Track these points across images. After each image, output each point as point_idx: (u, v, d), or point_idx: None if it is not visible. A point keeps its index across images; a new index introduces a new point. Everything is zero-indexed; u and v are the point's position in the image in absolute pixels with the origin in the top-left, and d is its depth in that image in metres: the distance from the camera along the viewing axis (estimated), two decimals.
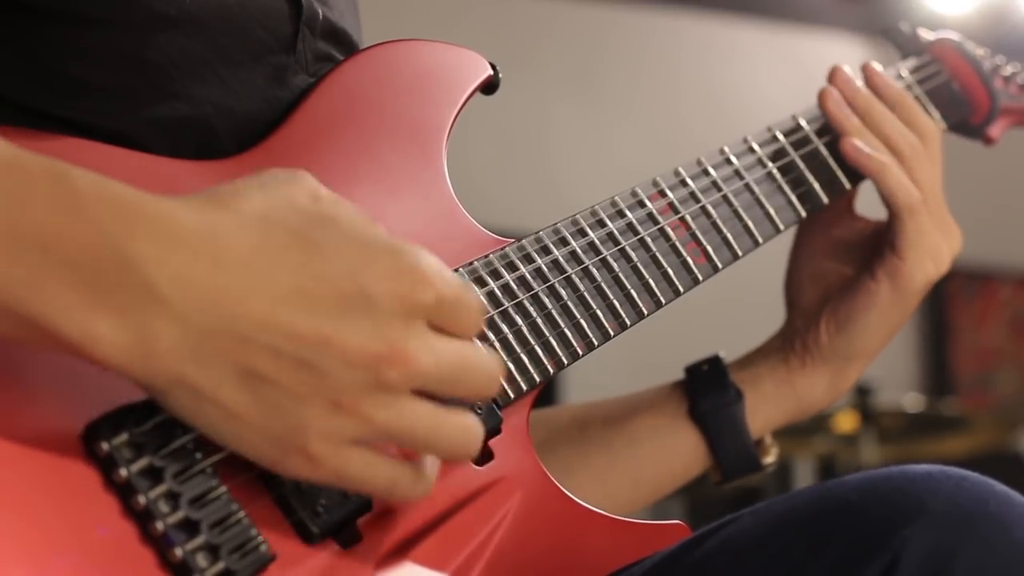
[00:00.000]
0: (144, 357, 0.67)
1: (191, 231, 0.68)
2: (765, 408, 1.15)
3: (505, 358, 0.89)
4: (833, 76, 1.15)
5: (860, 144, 1.10)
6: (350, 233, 0.71)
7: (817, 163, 1.12)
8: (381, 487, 0.73)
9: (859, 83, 1.15)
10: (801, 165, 1.11)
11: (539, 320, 0.92)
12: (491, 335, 0.89)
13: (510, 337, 0.90)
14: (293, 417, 0.69)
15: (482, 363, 0.74)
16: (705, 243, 1.02)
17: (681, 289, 1.00)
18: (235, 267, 0.68)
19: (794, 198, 1.10)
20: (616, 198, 1.00)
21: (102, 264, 0.66)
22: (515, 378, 0.90)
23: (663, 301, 0.99)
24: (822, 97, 1.13)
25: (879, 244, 1.15)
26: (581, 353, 0.94)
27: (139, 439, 0.72)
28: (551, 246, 0.95)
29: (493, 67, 0.98)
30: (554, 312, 0.93)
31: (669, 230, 1.01)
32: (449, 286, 0.72)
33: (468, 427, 0.74)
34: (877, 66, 1.16)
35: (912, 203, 1.09)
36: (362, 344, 0.69)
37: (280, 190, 0.72)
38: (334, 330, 0.69)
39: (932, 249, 1.11)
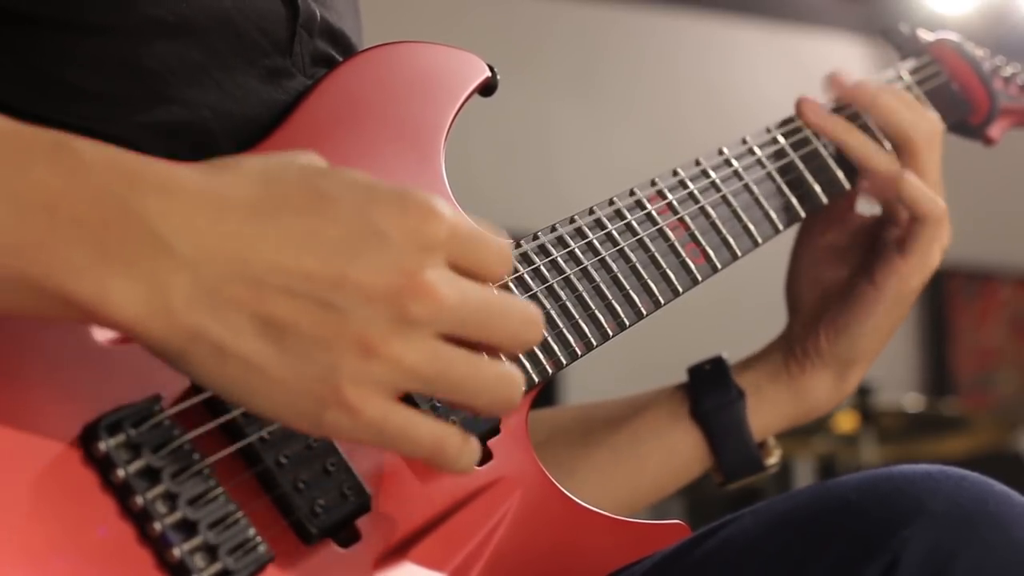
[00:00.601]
0: (159, 313, 0.65)
1: (195, 185, 0.67)
2: (766, 410, 1.15)
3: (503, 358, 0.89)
4: (831, 83, 1.15)
5: (874, 160, 1.10)
6: (355, 179, 0.70)
7: (816, 163, 1.12)
8: (427, 445, 0.70)
9: (860, 81, 1.15)
10: (800, 166, 1.11)
11: (543, 317, 0.92)
12: None
13: None
14: (321, 362, 0.66)
15: (517, 305, 0.72)
16: (704, 243, 1.02)
17: (680, 289, 1.00)
18: (240, 213, 0.67)
19: (793, 199, 1.10)
20: (614, 199, 1.00)
21: (108, 221, 0.65)
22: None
23: (662, 301, 0.99)
24: (801, 111, 1.13)
25: (876, 244, 1.14)
26: (580, 353, 0.94)
27: (137, 440, 0.71)
28: (549, 247, 0.95)
29: (491, 69, 0.98)
30: (552, 313, 0.93)
31: (668, 230, 1.01)
32: (466, 222, 0.70)
33: (508, 374, 0.71)
34: (865, 77, 1.16)
35: (937, 211, 1.09)
36: (379, 277, 0.67)
37: (280, 156, 0.71)
38: (348, 266, 0.67)
39: (935, 251, 1.11)
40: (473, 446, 0.72)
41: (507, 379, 0.71)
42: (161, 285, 0.65)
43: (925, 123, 1.13)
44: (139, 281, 0.65)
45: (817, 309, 1.17)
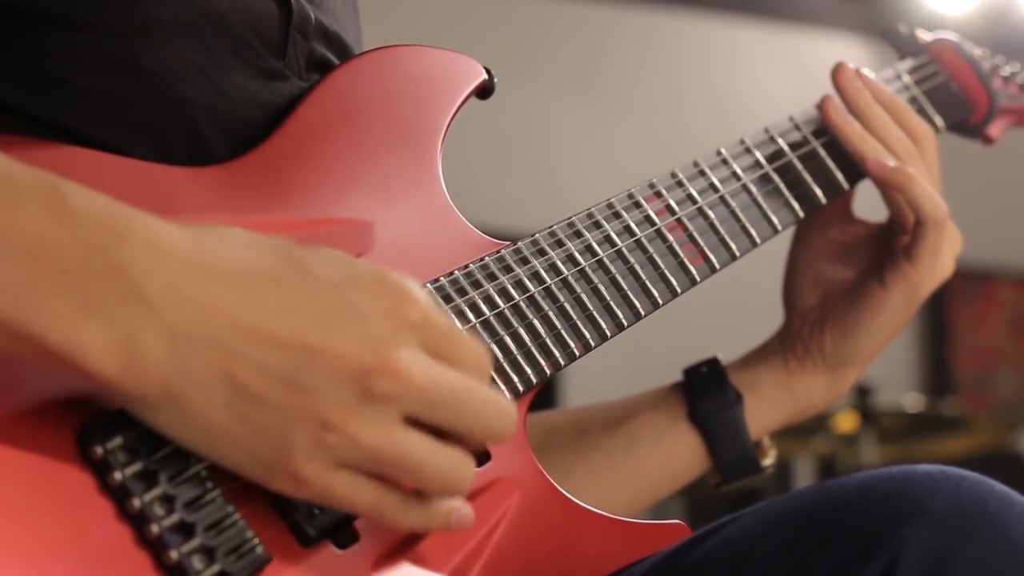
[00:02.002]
0: (133, 368, 0.67)
1: (181, 245, 0.68)
2: (763, 409, 1.15)
3: (501, 359, 0.89)
4: (836, 75, 1.14)
5: (882, 159, 1.10)
6: (334, 257, 0.72)
7: (815, 164, 1.12)
8: (366, 510, 0.73)
9: (859, 83, 1.15)
10: (799, 166, 1.11)
11: (536, 322, 0.92)
12: (488, 337, 0.89)
13: (506, 339, 0.90)
14: (280, 440, 0.69)
15: (488, 394, 0.73)
16: (702, 244, 1.02)
17: (679, 290, 1.00)
18: (224, 281, 0.68)
19: (792, 199, 1.10)
20: (612, 200, 1.00)
21: (92, 272, 0.66)
22: (512, 379, 0.89)
23: (660, 302, 0.98)
24: (824, 106, 1.12)
25: (884, 249, 1.14)
26: (578, 354, 0.93)
27: (133, 443, 0.71)
28: (547, 248, 0.95)
29: (488, 72, 0.98)
30: (551, 313, 0.93)
31: (666, 231, 1.01)
32: (436, 310, 0.72)
33: (460, 465, 0.73)
34: (868, 72, 1.16)
35: (939, 216, 1.09)
36: (348, 353, 0.69)
37: (263, 234, 0.73)
38: (320, 340, 0.69)
39: (943, 257, 1.11)
40: (417, 509, 0.74)
41: (459, 470, 0.73)
42: (137, 343, 0.66)
43: (907, 138, 1.13)
44: (116, 336, 0.66)
45: (819, 308, 1.17)
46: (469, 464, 0.74)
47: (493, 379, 0.89)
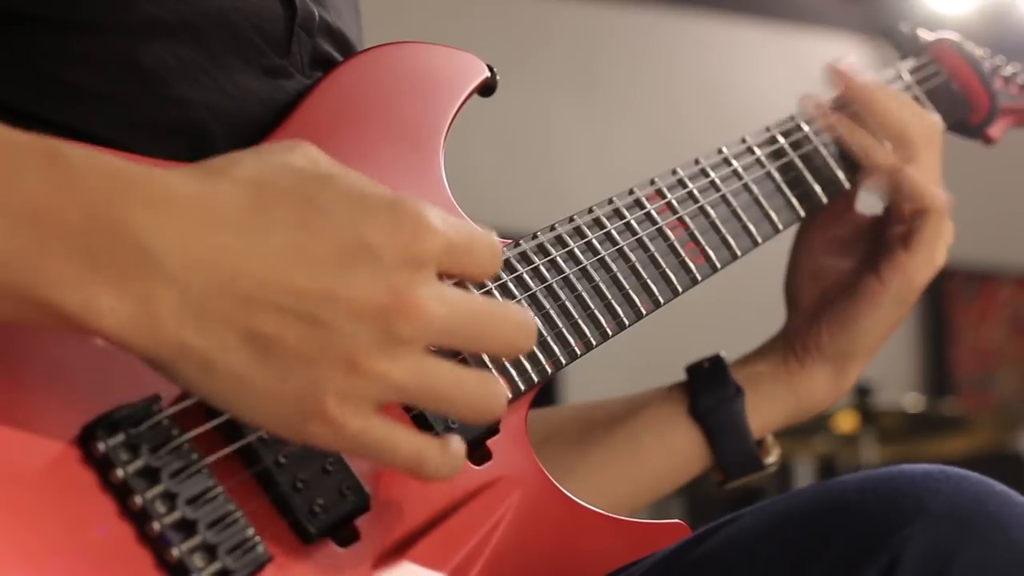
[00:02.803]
0: (147, 326, 0.66)
1: (184, 196, 0.67)
2: (765, 407, 1.15)
3: (502, 359, 0.89)
4: (829, 75, 1.15)
5: (875, 154, 1.10)
6: (348, 189, 0.70)
7: (816, 163, 1.12)
8: (406, 458, 0.71)
9: (860, 79, 1.15)
10: (800, 165, 1.11)
11: (537, 320, 0.92)
12: None
13: None
14: (306, 378, 0.67)
15: (507, 311, 0.72)
16: (704, 243, 1.02)
17: (680, 289, 1.00)
18: (230, 227, 0.67)
19: (793, 198, 1.10)
20: (614, 198, 1.00)
21: (98, 233, 0.65)
22: (513, 378, 0.89)
23: (662, 301, 0.98)
24: (802, 105, 1.13)
25: (881, 240, 1.14)
26: (579, 353, 0.93)
27: (135, 440, 0.71)
28: (548, 247, 0.95)
29: (491, 69, 0.98)
30: (552, 312, 0.93)
31: (667, 230, 1.01)
32: (457, 231, 0.70)
33: (492, 385, 0.71)
34: (853, 65, 1.16)
35: (940, 204, 1.09)
36: (367, 296, 0.67)
37: (276, 155, 0.71)
38: (337, 283, 0.67)
39: (940, 247, 1.11)
40: (452, 456, 0.72)
41: (490, 392, 0.72)
42: (149, 299, 0.65)
43: (921, 121, 1.13)
44: (127, 294, 0.65)
45: (818, 304, 1.17)
46: (500, 386, 0.72)
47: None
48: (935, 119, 1.15)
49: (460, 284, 0.76)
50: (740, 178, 1.07)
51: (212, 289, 0.66)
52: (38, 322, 0.66)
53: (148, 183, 0.67)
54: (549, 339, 0.92)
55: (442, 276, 0.71)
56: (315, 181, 0.70)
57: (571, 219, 0.97)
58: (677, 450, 1.14)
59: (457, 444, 0.73)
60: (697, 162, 1.06)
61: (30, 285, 0.65)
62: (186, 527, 0.71)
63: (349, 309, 0.67)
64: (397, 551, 0.81)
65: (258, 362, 0.67)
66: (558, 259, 0.95)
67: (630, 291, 0.97)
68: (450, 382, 0.70)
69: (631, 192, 1.01)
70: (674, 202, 1.02)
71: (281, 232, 0.67)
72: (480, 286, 0.88)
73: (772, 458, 1.15)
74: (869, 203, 1.15)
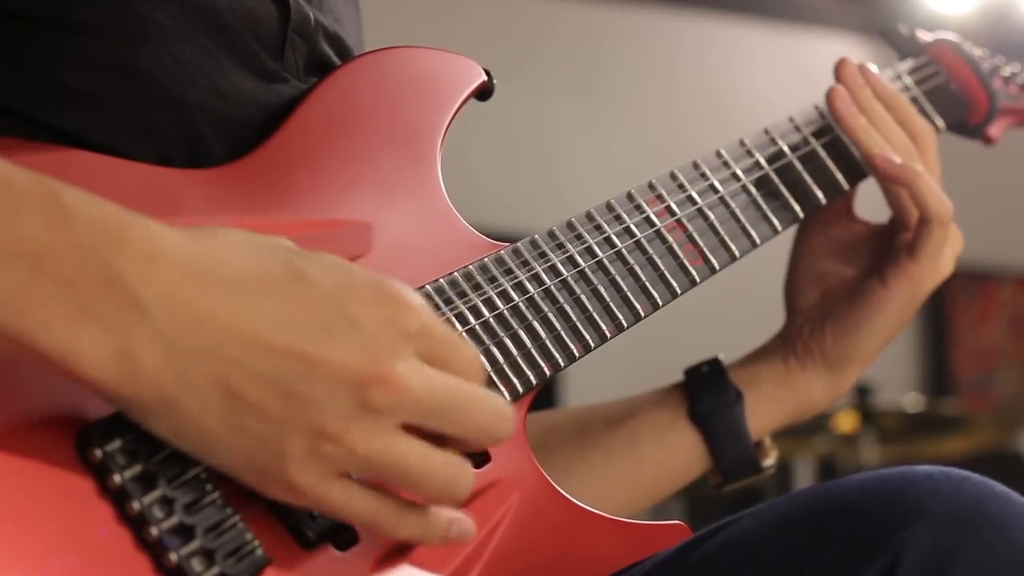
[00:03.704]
0: (127, 373, 0.66)
1: (179, 251, 0.68)
2: (764, 408, 1.15)
3: (501, 361, 0.89)
4: (840, 70, 1.14)
5: (889, 156, 1.10)
6: (333, 264, 0.72)
7: (815, 164, 1.12)
8: (363, 520, 0.73)
9: (861, 80, 1.15)
10: (799, 167, 1.11)
11: (535, 323, 0.92)
12: (487, 339, 0.89)
13: (506, 340, 0.90)
14: (275, 448, 0.69)
15: (486, 398, 0.73)
16: (702, 245, 1.02)
17: (678, 291, 1.00)
18: (221, 290, 0.68)
19: (792, 199, 1.10)
20: (612, 201, 1.00)
21: (88, 279, 0.66)
22: (511, 381, 0.89)
23: (660, 303, 0.98)
24: (831, 96, 1.12)
25: (885, 247, 1.14)
26: (578, 355, 0.93)
27: (133, 445, 0.71)
28: (547, 250, 0.95)
29: (488, 73, 0.98)
30: (550, 315, 0.93)
31: (666, 232, 1.01)
32: (435, 319, 0.72)
33: (458, 467, 0.73)
34: (872, 67, 1.16)
35: (944, 213, 1.09)
36: (346, 363, 0.69)
37: (262, 236, 0.73)
38: (317, 349, 0.68)
39: (945, 255, 1.11)
40: (410, 517, 0.74)
41: (456, 475, 0.73)
42: (133, 349, 0.66)
43: (926, 127, 1.13)
44: (112, 343, 0.66)
45: (820, 308, 1.17)
46: (467, 470, 0.74)
47: (493, 382, 0.89)
48: (928, 125, 1.15)
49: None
50: (739, 180, 1.07)
51: (198, 348, 0.67)
52: (22, 361, 0.67)
53: (144, 234, 0.68)
54: (547, 342, 0.92)
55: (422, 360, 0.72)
56: (302, 255, 0.72)
57: (569, 222, 0.97)
58: (676, 454, 1.14)
59: (416, 509, 0.74)
60: (696, 164, 1.06)
61: (16, 326, 0.65)
62: (184, 532, 0.71)
63: (327, 376, 0.68)
64: (396, 554, 0.81)
65: (231, 422, 0.68)
66: (556, 262, 0.94)
67: (628, 293, 0.97)
68: (419, 461, 0.71)
69: (629, 195, 1.01)
70: (672, 204, 1.02)
71: (269, 299, 0.69)
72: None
73: (770, 460, 1.15)
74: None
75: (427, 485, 0.72)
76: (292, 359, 0.68)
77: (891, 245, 1.14)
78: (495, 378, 0.89)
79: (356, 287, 0.71)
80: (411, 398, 0.70)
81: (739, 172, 1.07)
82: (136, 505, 0.70)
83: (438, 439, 0.73)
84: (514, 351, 0.90)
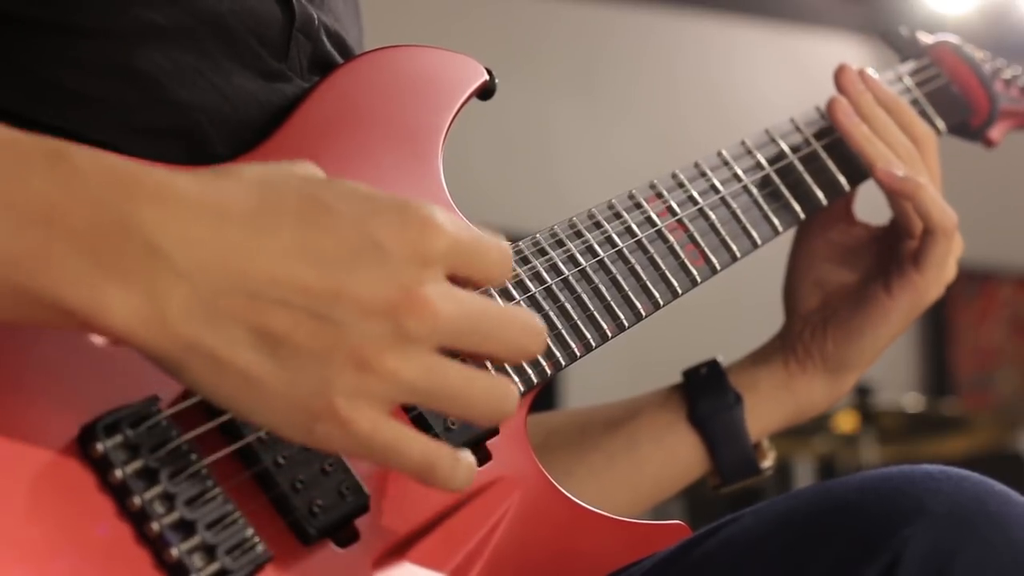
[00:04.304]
0: (156, 323, 0.65)
1: (192, 194, 0.67)
2: (763, 410, 1.15)
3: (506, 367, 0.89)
4: (840, 77, 1.14)
5: (892, 168, 1.10)
6: (354, 189, 0.70)
7: (816, 166, 1.12)
8: (416, 463, 0.69)
9: (862, 85, 1.14)
10: (800, 168, 1.11)
11: (545, 325, 0.92)
12: None
13: None
14: (315, 376, 0.66)
15: (517, 315, 0.72)
16: (703, 245, 1.02)
17: (679, 291, 1.00)
18: (239, 225, 0.67)
19: (793, 200, 1.10)
20: (613, 200, 1.00)
21: (105, 231, 0.65)
22: (513, 379, 0.89)
23: (661, 303, 0.99)
24: (832, 107, 1.12)
25: (888, 253, 1.14)
26: (579, 354, 0.94)
27: (134, 440, 0.71)
28: (548, 249, 0.95)
29: (489, 73, 0.98)
30: (552, 314, 0.93)
31: (667, 232, 1.01)
32: (465, 231, 0.70)
33: (503, 385, 0.71)
34: (872, 72, 1.16)
35: (948, 224, 1.09)
36: (376, 292, 0.67)
37: (280, 165, 0.71)
38: (345, 280, 0.66)
39: (950, 263, 1.12)
40: (465, 466, 0.71)
41: (500, 392, 0.71)
42: (158, 296, 0.65)
43: (929, 132, 1.13)
44: (136, 292, 0.65)
45: (821, 312, 1.17)
46: (511, 386, 0.71)
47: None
48: (930, 130, 1.15)
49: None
50: (740, 180, 1.07)
51: (222, 286, 0.66)
52: (46, 322, 0.66)
53: (156, 182, 0.67)
54: (549, 340, 0.92)
55: (451, 279, 0.70)
56: (321, 183, 0.70)
57: (571, 221, 0.97)
58: (676, 456, 1.14)
59: (469, 458, 0.72)
60: (697, 164, 1.06)
61: (38, 284, 0.64)
62: (185, 527, 0.71)
63: (358, 306, 0.66)
64: (397, 551, 0.81)
65: (268, 360, 0.66)
66: (558, 261, 0.95)
67: (630, 293, 0.97)
68: (461, 381, 0.69)
69: (631, 194, 1.01)
70: (674, 204, 1.02)
71: (289, 229, 0.67)
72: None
73: (768, 462, 1.15)
74: None
75: (475, 403, 0.70)
76: (320, 290, 0.66)
77: (894, 252, 1.14)
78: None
79: (379, 210, 0.69)
80: (445, 321, 0.68)
81: (740, 172, 1.07)
82: (137, 500, 0.70)
83: (475, 361, 0.71)
84: None
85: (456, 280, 0.70)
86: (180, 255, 0.65)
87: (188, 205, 0.66)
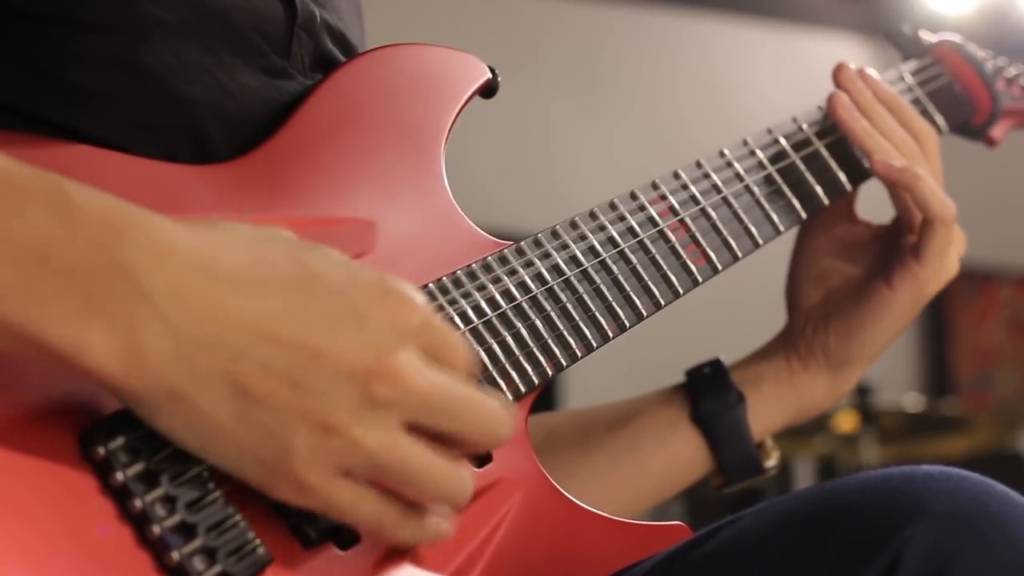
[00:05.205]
0: (136, 366, 0.66)
1: (185, 245, 0.68)
2: (766, 410, 1.15)
3: (503, 359, 0.89)
4: (838, 75, 1.14)
5: (889, 159, 1.10)
6: (338, 260, 0.72)
7: (817, 165, 1.12)
8: (368, 522, 0.73)
9: (861, 83, 1.15)
10: (801, 167, 1.11)
11: (538, 322, 0.92)
12: (490, 338, 0.89)
13: (508, 339, 0.90)
14: (282, 443, 0.69)
15: (486, 398, 0.74)
16: (705, 245, 1.02)
17: (681, 291, 1.00)
18: (228, 282, 0.68)
19: (794, 200, 1.10)
20: (615, 200, 1.00)
21: (96, 273, 0.65)
22: (513, 380, 0.89)
23: (662, 303, 0.98)
24: (832, 102, 1.12)
25: (889, 249, 1.14)
26: (580, 355, 0.93)
27: (135, 443, 0.71)
28: (550, 249, 0.95)
29: (492, 71, 0.98)
30: (552, 314, 0.93)
31: (668, 232, 1.01)
32: (434, 315, 0.73)
33: (459, 473, 0.74)
34: (873, 72, 1.16)
35: (946, 214, 1.09)
36: (352, 357, 0.69)
37: (267, 227, 0.73)
38: (324, 343, 0.69)
39: (950, 256, 1.11)
40: (417, 524, 0.75)
41: (457, 479, 0.74)
42: (140, 340, 0.66)
43: (912, 139, 1.13)
44: (119, 335, 0.66)
45: (823, 308, 1.17)
46: (468, 476, 0.74)
47: (495, 380, 0.89)
48: (928, 130, 1.15)
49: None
50: (741, 180, 1.07)
51: (206, 341, 0.67)
52: (28, 356, 0.67)
53: (151, 228, 0.68)
54: (550, 341, 0.92)
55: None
56: (309, 250, 0.72)
57: (572, 221, 0.97)
58: (678, 456, 1.14)
59: (424, 513, 0.75)
60: (699, 164, 1.06)
61: (23, 321, 0.65)
62: (186, 530, 0.71)
63: (333, 368, 0.69)
64: (397, 554, 0.81)
65: (239, 417, 0.68)
66: (559, 261, 0.94)
67: (631, 293, 0.97)
68: (420, 462, 0.71)
69: (632, 194, 1.01)
70: (675, 204, 1.02)
71: (277, 293, 0.69)
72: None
73: (772, 461, 1.15)
74: None
75: (430, 486, 0.73)
76: (299, 351, 0.68)
77: (895, 246, 1.14)
78: (497, 376, 0.89)
79: (361, 283, 0.71)
80: (414, 392, 0.70)
81: (742, 172, 1.07)
82: (138, 503, 0.70)
83: (439, 443, 0.73)
84: (516, 350, 0.90)
85: (430, 356, 0.72)
86: (168, 306, 0.67)
87: (181, 256, 0.68)
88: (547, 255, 0.94)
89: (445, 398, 0.72)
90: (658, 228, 1.00)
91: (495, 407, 0.74)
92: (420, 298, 0.72)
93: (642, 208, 1.00)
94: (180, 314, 0.67)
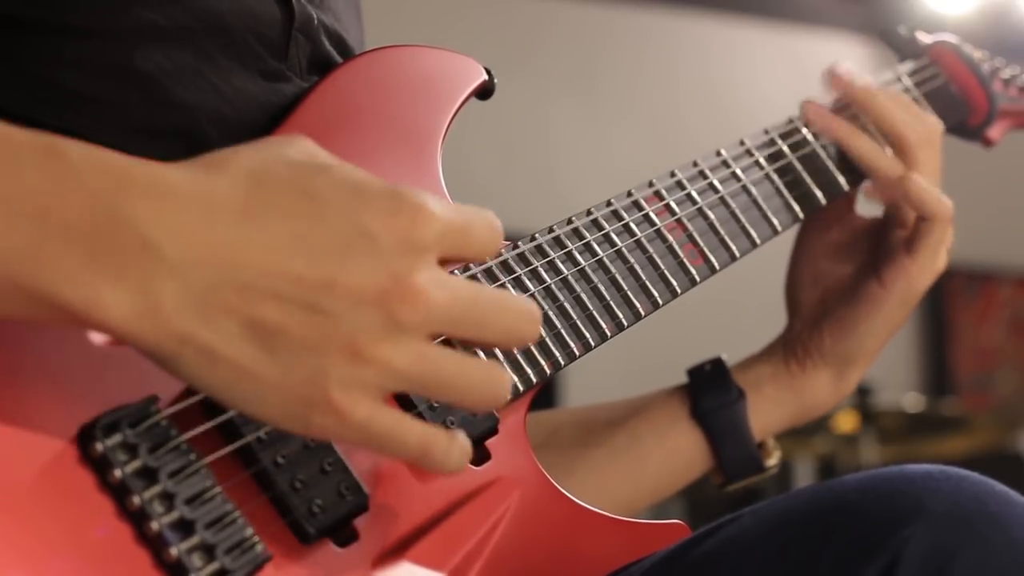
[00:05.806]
0: (150, 318, 0.65)
1: (184, 189, 0.67)
2: (767, 410, 1.15)
3: (501, 359, 0.89)
4: (830, 79, 1.15)
5: (880, 164, 1.10)
6: (345, 179, 0.69)
7: (815, 165, 1.12)
8: (413, 447, 0.70)
9: (859, 81, 1.15)
10: (799, 167, 1.11)
11: (540, 310, 0.92)
12: None
13: None
14: (309, 366, 0.66)
15: (511, 301, 0.72)
16: (702, 244, 1.02)
17: (678, 290, 1.00)
18: (229, 218, 0.67)
19: (792, 200, 1.10)
20: (612, 200, 1.00)
21: (98, 226, 0.65)
22: (512, 379, 0.89)
23: (660, 302, 0.99)
24: (804, 114, 1.13)
25: (883, 245, 1.14)
26: (578, 354, 0.93)
27: (133, 440, 0.71)
28: (547, 248, 0.95)
29: (488, 72, 0.98)
30: (550, 313, 0.93)
31: (666, 232, 1.01)
32: (455, 213, 0.70)
33: (496, 372, 0.71)
34: (866, 76, 1.16)
35: (944, 213, 1.09)
36: (367, 282, 0.67)
37: (272, 148, 0.71)
38: (337, 270, 0.66)
39: (941, 252, 1.12)
40: (460, 446, 0.72)
41: (494, 379, 0.71)
42: (151, 290, 0.65)
43: (921, 124, 1.13)
44: (129, 286, 0.65)
45: (819, 308, 1.17)
46: (505, 373, 0.72)
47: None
48: (934, 121, 1.15)
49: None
50: (739, 180, 1.07)
51: (214, 280, 0.66)
52: (40, 318, 0.66)
53: (147, 177, 0.67)
54: (548, 340, 0.92)
55: (444, 263, 0.70)
56: (312, 171, 0.69)
57: (570, 221, 0.97)
58: (678, 453, 1.14)
59: (463, 437, 0.72)
60: (696, 164, 1.06)
61: (31, 280, 0.64)
62: (184, 527, 0.71)
63: (350, 295, 0.66)
64: (396, 551, 0.81)
65: (261, 353, 0.66)
66: (557, 260, 0.95)
67: (629, 292, 0.97)
68: (454, 369, 0.69)
69: (630, 194, 1.01)
70: (673, 204, 1.02)
71: (280, 222, 0.67)
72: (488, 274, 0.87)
73: (773, 460, 1.15)
74: (869, 206, 1.15)
75: (468, 390, 0.70)
76: (312, 281, 0.66)
77: (886, 242, 1.14)
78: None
79: (370, 199, 0.68)
80: (437, 309, 0.68)
81: (739, 172, 1.07)
82: (136, 500, 0.70)
83: (469, 349, 0.71)
84: (514, 350, 0.90)
85: (449, 262, 0.70)
86: (172, 249, 0.65)
87: (180, 199, 0.66)
88: (544, 254, 0.94)
89: (469, 308, 0.69)
90: (655, 228, 1.00)
91: (520, 307, 0.72)
92: (435, 205, 0.69)
93: (639, 207, 1.01)
94: (185, 257, 0.65)
